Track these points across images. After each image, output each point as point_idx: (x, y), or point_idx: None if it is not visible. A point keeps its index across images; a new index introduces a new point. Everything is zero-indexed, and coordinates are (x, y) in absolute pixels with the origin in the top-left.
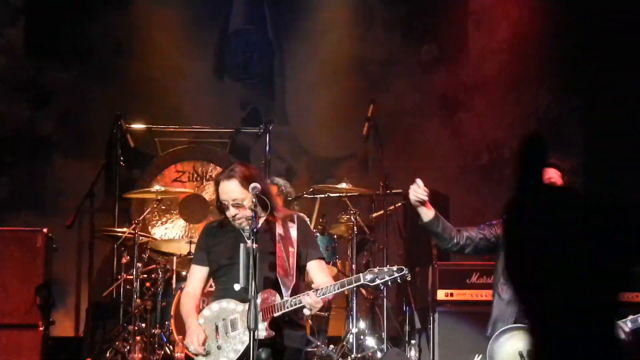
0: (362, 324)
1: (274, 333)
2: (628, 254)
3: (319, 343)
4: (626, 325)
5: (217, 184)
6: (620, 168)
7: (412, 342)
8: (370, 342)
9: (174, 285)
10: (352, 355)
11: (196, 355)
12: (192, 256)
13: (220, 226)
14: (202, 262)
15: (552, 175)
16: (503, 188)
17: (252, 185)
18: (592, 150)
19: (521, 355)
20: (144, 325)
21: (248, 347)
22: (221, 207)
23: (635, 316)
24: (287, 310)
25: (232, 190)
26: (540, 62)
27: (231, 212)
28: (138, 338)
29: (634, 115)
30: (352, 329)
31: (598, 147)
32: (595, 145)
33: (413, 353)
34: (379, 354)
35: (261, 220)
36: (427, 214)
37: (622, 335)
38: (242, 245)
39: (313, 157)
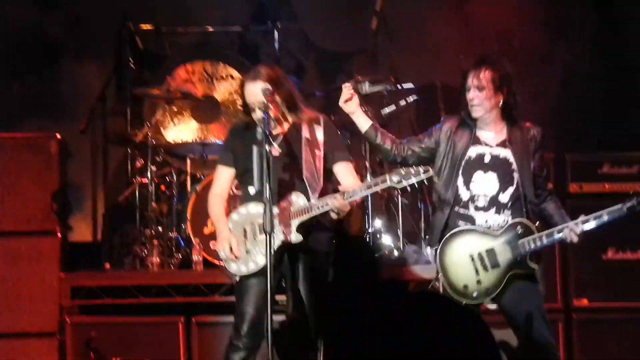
0: (378, 222)
1: (302, 237)
2: None
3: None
4: (578, 226)
5: (242, 87)
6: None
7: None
8: (387, 240)
9: (188, 188)
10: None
11: (226, 260)
12: (205, 158)
13: (247, 128)
14: (229, 163)
15: (482, 81)
16: (521, 88)
17: (263, 87)
18: (603, 36)
19: (472, 257)
20: (160, 228)
21: (276, 251)
22: (247, 109)
23: (587, 217)
24: (314, 213)
25: (258, 92)
26: None
27: (257, 114)
28: (155, 242)
29: None
30: (369, 228)
31: (611, 32)
32: (607, 30)
33: (429, 250)
34: (395, 252)
35: (286, 123)
36: (362, 124)
37: (575, 238)
38: (254, 148)
39: (322, 53)
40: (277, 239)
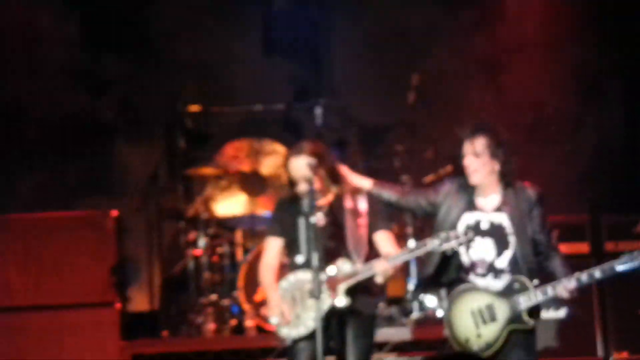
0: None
1: (349, 301)
2: None
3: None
4: (570, 282)
5: (287, 161)
6: None
7: None
8: (430, 300)
9: (239, 258)
10: (413, 314)
11: (277, 326)
12: (254, 229)
13: (293, 201)
14: (277, 233)
15: (478, 148)
16: (547, 145)
17: (307, 161)
18: (631, 105)
19: (472, 312)
20: (214, 297)
21: (326, 315)
22: (292, 182)
23: (581, 274)
24: (360, 278)
25: (301, 166)
26: (577, 19)
27: (302, 187)
28: (209, 310)
29: None
30: (412, 288)
31: (638, 102)
32: (635, 100)
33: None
34: (438, 312)
35: (330, 195)
36: (364, 184)
37: (565, 294)
38: (301, 219)
39: (363, 127)
40: (325, 304)
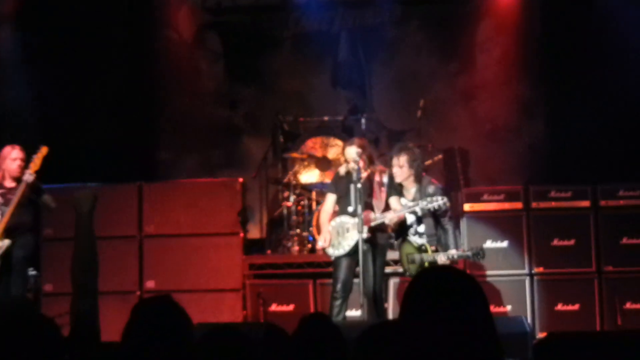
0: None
1: (370, 234)
2: None
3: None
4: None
5: (344, 149)
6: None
7: None
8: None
9: (313, 208)
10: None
11: (324, 247)
12: (322, 191)
13: (345, 173)
14: (334, 192)
15: (401, 162)
16: (499, 145)
17: (356, 150)
18: (552, 122)
19: (407, 257)
20: (298, 230)
21: (356, 243)
22: (346, 161)
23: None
24: (378, 222)
25: (352, 152)
26: (519, 66)
27: (352, 165)
28: (295, 238)
29: (585, 100)
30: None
31: (556, 120)
32: (554, 119)
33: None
34: None
35: (367, 170)
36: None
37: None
38: (352, 185)
39: (389, 131)
40: (357, 236)
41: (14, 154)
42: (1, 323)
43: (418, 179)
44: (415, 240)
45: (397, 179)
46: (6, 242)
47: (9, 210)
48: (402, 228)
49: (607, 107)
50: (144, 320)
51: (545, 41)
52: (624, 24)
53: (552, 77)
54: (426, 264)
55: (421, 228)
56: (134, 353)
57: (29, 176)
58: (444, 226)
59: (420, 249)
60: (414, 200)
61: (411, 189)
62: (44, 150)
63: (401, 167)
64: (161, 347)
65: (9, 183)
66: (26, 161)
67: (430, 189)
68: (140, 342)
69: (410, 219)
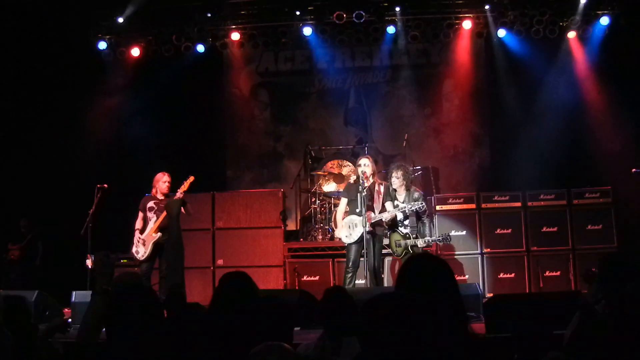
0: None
1: (372, 228)
2: None
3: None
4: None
5: (355, 165)
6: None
7: None
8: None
9: (332, 209)
10: None
11: (339, 237)
12: (338, 197)
13: (355, 182)
14: (346, 197)
15: (398, 174)
16: (459, 164)
17: (362, 167)
18: (494, 148)
19: (395, 242)
20: (322, 225)
21: (362, 234)
22: (357, 175)
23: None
24: (377, 219)
25: (365, 165)
26: (467, 109)
27: (360, 177)
28: (319, 230)
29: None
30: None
31: (500, 146)
32: (495, 146)
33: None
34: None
35: (370, 181)
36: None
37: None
38: (358, 194)
39: (384, 155)
40: (362, 229)
41: (165, 178)
42: (123, 289)
43: (408, 187)
44: (402, 230)
45: (394, 186)
46: (159, 235)
47: (162, 215)
48: (393, 223)
49: (532, 140)
50: (228, 286)
51: (490, 93)
52: (546, 84)
53: (494, 118)
54: (409, 247)
55: (407, 222)
56: (220, 309)
57: (179, 194)
58: (423, 221)
59: (405, 237)
60: (404, 202)
61: (403, 193)
62: (191, 179)
63: (398, 179)
64: (239, 306)
65: (160, 197)
66: (171, 183)
67: (416, 194)
68: (225, 301)
69: (400, 216)
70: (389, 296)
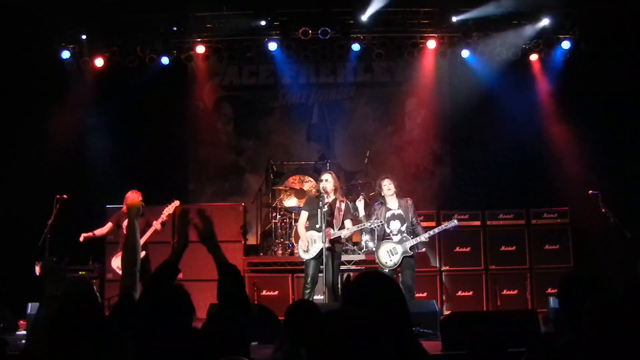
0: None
1: (331, 245)
2: None
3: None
4: (425, 236)
5: (317, 181)
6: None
7: None
8: (371, 244)
9: (293, 224)
10: (364, 250)
11: (300, 252)
12: (298, 213)
13: (316, 197)
14: (306, 211)
15: (391, 183)
16: (420, 182)
17: (323, 183)
18: (454, 167)
19: (387, 250)
20: (282, 240)
21: (321, 250)
22: (318, 191)
23: (428, 233)
24: (336, 235)
25: (326, 180)
26: (430, 128)
27: (321, 193)
28: (279, 245)
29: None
30: (365, 238)
31: (460, 165)
32: (456, 167)
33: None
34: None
35: (331, 197)
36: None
37: (424, 240)
38: (319, 209)
39: (346, 172)
40: (321, 245)
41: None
42: (70, 295)
43: (397, 194)
44: (397, 237)
45: (388, 194)
46: (143, 252)
47: (149, 230)
48: (381, 233)
49: (493, 160)
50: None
51: (451, 112)
52: (508, 106)
53: (455, 138)
54: (408, 249)
55: (403, 227)
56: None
57: (159, 225)
58: (418, 222)
59: (402, 240)
60: (398, 207)
61: (392, 200)
62: (176, 202)
63: (389, 189)
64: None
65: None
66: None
67: (402, 201)
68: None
69: (396, 225)
70: (335, 312)
